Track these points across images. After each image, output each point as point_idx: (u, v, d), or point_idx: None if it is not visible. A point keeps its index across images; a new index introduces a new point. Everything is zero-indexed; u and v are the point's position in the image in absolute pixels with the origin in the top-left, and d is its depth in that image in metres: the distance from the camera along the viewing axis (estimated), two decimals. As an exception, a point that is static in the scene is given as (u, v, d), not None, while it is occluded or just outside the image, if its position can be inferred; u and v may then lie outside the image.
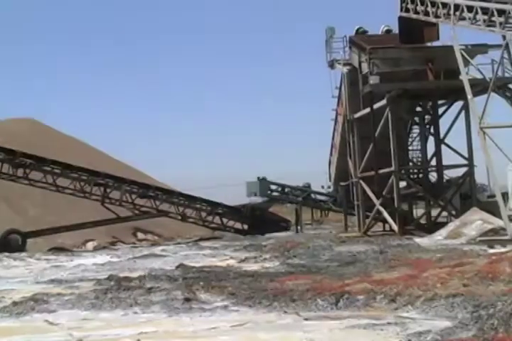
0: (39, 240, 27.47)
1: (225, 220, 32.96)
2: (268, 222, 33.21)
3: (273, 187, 41.93)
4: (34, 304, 10.41)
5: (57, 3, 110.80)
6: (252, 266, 16.33)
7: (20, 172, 27.56)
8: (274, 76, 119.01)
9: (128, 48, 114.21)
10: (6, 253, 23.14)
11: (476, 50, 26.35)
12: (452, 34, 23.93)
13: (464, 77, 23.24)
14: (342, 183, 33.49)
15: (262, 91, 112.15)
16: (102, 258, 21.71)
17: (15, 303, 10.51)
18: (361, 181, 29.35)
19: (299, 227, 36.40)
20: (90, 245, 28.66)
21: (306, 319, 8.77)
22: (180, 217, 31.57)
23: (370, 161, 28.05)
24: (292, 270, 14.80)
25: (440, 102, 29.58)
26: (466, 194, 28.62)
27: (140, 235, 33.00)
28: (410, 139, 31.56)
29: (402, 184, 29.05)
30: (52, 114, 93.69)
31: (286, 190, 42.23)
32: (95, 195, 29.08)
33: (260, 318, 8.97)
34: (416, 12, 25.98)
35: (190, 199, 32.11)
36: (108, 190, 29.32)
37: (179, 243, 29.54)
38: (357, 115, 29.39)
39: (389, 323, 8.16)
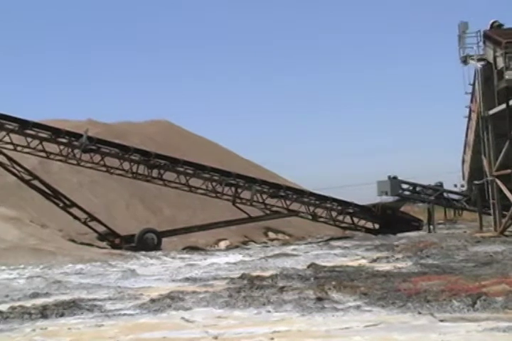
0: (173, 239, 28.15)
1: (355, 219, 32.74)
2: (399, 221, 32.75)
3: (404, 186, 41.23)
4: (170, 301, 10.65)
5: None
6: (384, 266, 16.12)
7: (155, 173, 28.30)
8: (404, 75, 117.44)
9: (251, 49, 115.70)
10: (143, 252, 23.83)
11: None
12: None
13: None
14: (476, 182, 32.57)
15: (392, 89, 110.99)
16: (234, 257, 22.01)
17: (152, 300, 10.80)
18: (497, 179, 28.44)
19: (431, 227, 35.66)
20: (223, 244, 29.19)
21: (441, 320, 8.55)
22: (310, 217, 31.59)
23: (506, 159, 27.15)
24: (425, 270, 14.50)
25: None
26: None
27: (271, 234, 33.28)
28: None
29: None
30: (185, 115, 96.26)
31: (418, 189, 41.43)
32: (227, 195, 29.49)
33: (394, 319, 8.83)
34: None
35: (321, 199, 32.04)
36: (239, 190, 29.66)
37: (310, 242, 29.57)
38: (492, 112, 28.49)
39: (531, 327, 7.84)
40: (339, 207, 32.21)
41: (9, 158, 25.98)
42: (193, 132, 45.04)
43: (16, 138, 26.44)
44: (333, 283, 11.89)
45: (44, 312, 9.92)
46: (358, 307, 9.78)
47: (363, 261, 18.10)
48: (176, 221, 30.44)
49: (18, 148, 26.31)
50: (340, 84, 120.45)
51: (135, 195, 32.65)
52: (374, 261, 18.12)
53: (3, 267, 18.35)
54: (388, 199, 40.54)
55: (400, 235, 30.24)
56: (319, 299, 10.28)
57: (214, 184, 29.24)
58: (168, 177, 28.52)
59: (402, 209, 38.02)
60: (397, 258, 18.19)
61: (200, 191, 29.26)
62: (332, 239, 30.76)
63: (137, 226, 27.83)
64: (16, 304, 10.74)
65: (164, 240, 27.22)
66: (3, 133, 26.02)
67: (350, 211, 32.38)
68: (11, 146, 26.12)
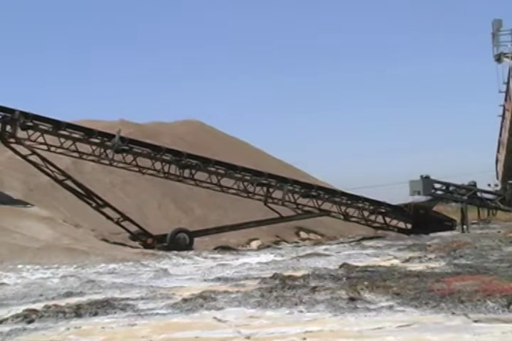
0: (205, 239, 28.21)
1: (388, 219, 32.56)
2: (432, 221, 32.50)
3: (437, 185, 40.90)
4: (203, 301, 10.67)
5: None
6: (416, 266, 16.02)
7: (186, 172, 28.36)
8: (435, 73, 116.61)
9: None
10: (175, 252, 23.90)
11: None
12: None
13: None
14: (510, 181, 32.25)
15: (424, 87, 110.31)
16: (265, 256, 22.00)
17: (185, 300, 10.83)
18: (531, 179, 28.17)
19: (464, 227, 35.37)
20: (254, 244, 29.21)
21: (475, 321, 8.48)
22: (342, 217, 31.48)
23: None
24: (459, 270, 14.38)
25: None
26: None
27: (303, 234, 33.22)
28: None
29: None
30: (215, 115, 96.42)
31: (451, 188, 41.09)
32: (258, 194, 29.46)
33: (427, 319, 8.77)
34: None
35: (353, 199, 31.88)
36: (271, 190, 29.63)
37: (342, 242, 29.47)
38: (526, 110, 28.23)
39: None
40: (371, 207, 32.05)
41: (43, 159, 26.24)
42: (224, 132, 45.14)
43: (50, 138, 26.69)
44: (366, 283, 11.84)
45: (78, 311, 10.00)
46: (390, 307, 9.73)
47: (396, 261, 18.00)
48: (208, 221, 30.51)
49: (52, 149, 26.54)
50: (367, 83, 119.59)
51: (167, 195, 32.80)
52: (406, 261, 18.01)
53: (37, 266, 18.52)
54: (421, 198, 40.24)
55: (432, 235, 30.02)
56: (352, 299, 10.25)
57: (245, 184, 29.23)
58: (200, 177, 28.57)
59: (435, 208, 37.74)
60: (430, 258, 18.06)
61: (231, 191, 29.25)
62: (364, 238, 30.62)
63: (169, 226, 27.93)
64: (51, 303, 10.83)
65: (196, 240, 27.28)
66: (38, 133, 26.29)
67: (382, 211, 32.20)
68: (44, 147, 26.37)
